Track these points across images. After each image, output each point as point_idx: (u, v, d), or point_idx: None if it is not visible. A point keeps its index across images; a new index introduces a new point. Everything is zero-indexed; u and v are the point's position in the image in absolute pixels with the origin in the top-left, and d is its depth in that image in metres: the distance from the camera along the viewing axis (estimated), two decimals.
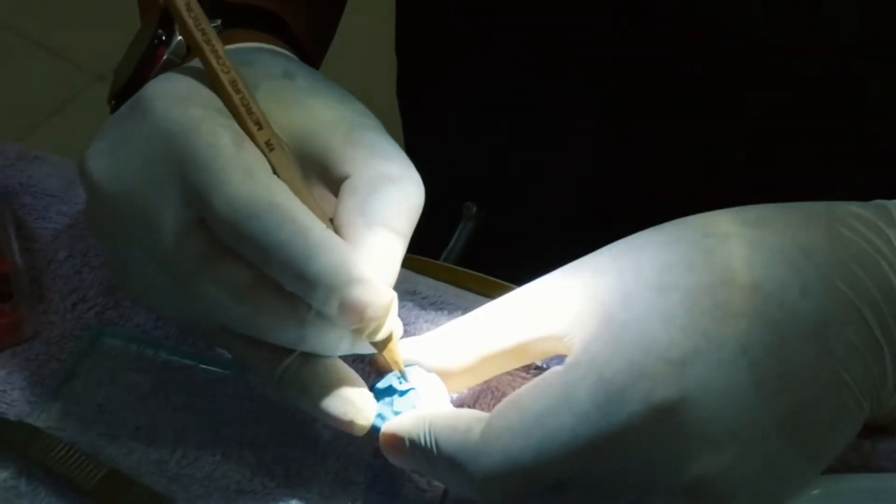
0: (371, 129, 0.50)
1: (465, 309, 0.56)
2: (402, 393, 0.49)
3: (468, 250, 0.78)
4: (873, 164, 0.61)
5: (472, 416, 0.46)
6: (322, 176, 0.50)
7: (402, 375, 0.49)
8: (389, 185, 0.48)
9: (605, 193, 0.70)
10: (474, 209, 0.77)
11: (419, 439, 0.46)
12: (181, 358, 0.56)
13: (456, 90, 0.74)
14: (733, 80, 0.61)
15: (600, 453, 0.43)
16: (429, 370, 0.50)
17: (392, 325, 0.47)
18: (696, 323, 0.43)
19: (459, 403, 0.53)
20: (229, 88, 0.48)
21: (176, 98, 0.48)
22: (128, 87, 0.57)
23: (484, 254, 0.72)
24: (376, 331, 0.46)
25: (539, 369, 0.53)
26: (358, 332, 0.46)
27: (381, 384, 0.50)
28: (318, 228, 0.45)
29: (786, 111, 0.61)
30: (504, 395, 0.53)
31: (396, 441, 0.47)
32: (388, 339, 0.48)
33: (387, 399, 0.49)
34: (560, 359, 0.51)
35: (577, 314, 0.46)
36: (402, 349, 0.49)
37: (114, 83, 0.60)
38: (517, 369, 0.53)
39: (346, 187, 0.48)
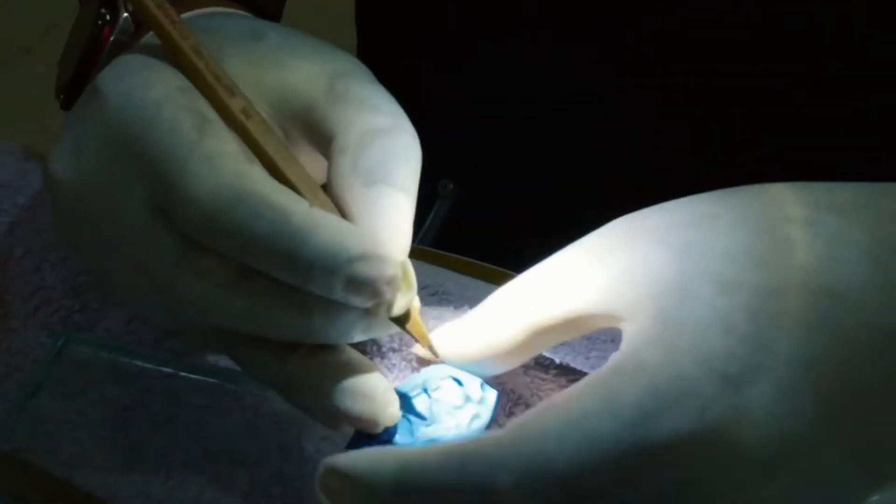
0: (355, 77, 0.45)
1: (472, 300, 0.52)
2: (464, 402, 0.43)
3: (444, 232, 0.73)
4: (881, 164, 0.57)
5: (474, 436, 0.41)
6: (309, 137, 0.45)
7: (434, 353, 0.43)
8: (381, 139, 0.43)
9: (591, 172, 0.66)
10: (450, 187, 0.72)
11: (390, 472, 0.38)
12: (159, 366, 0.51)
13: (422, 61, 0.70)
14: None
15: (642, 467, 0.39)
16: (471, 353, 0.44)
17: (412, 295, 0.42)
18: (760, 334, 0.39)
19: None
20: (192, 56, 0.43)
21: (133, 82, 0.43)
22: (76, 77, 0.52)
23: (461, 236, 0.67)
24: (392, 304, 0.41)
25: (559, 367, 0.49)
26: (374, 311, 0.41)
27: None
28: (301, 208, 0.40)
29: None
30: (520, 397, 0.49)
31: (345, 484, 0.39)
32: (408, 313, 0.42)
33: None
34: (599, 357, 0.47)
35: (631, 298, 0.41)
36: (443, 340, 0.44)
37: (60, 76, 0.55)
38: (535, 370, 0.49)
39: (335, 148, 0.43)
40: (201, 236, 0.41)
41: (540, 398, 0.48)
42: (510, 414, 0.48)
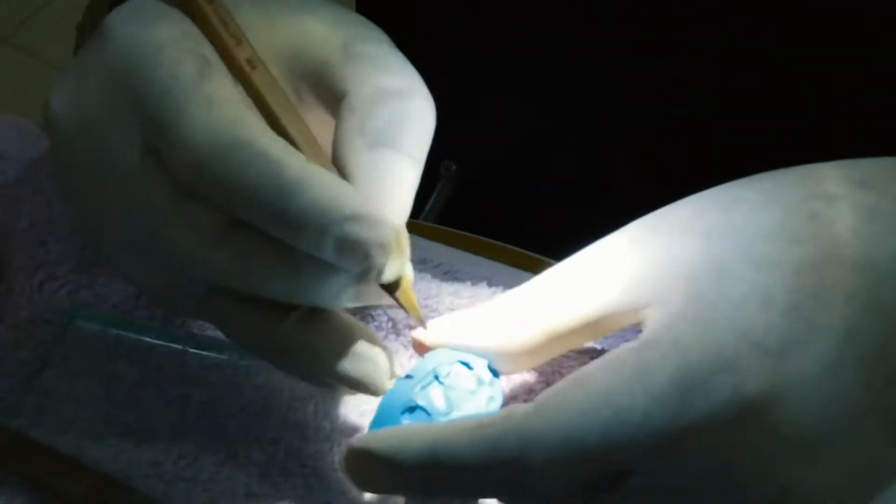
0: (372, 40, 0.43)
1: (489, 279, 0.50)
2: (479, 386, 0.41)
3: (446, 214, 0.72)
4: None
5: (494, 415, 0.39)
6: (319, 96, 0.43)
7: (423, 325, 0.42)
8: (392, 101, 0.41)
9: (597, 156, 0.64)
10: (453, 168, 0.71)
11: (419, 450, 0.38)
12: (169, 342, 0.49)
13: (425, 39, 0.68)
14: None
15: (675, 444, 0.37)
16: (486, 350, 0.42)
17: (403, 262, 0.41)
18: (800, 307, 0.38)
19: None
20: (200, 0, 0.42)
21: (139, 24, 0.41)
22: (91, 16, 0.50)
23: (462, 217, 0.66)
24: (383, 269, 0.40)
25: (598, 353, 0.47)
26: (363, 275, 0.40)
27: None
28: (296, 162, 0.39)
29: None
30: (541, 373, 0.48)
31: (374, 463, 0.39)
32: (399, 281, 0.41)
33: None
34: (619, 336, 0.46)
35: (659, 286, 0.40)
36: (452, 328, 0.42)
37: (84, 15, 0.53)
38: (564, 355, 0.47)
39: (345, 106, 0.42)
40: (192, 183, 0.39)
41: (561, 375, 0.47)
42: (530, 391, 0.47)
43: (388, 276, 0.40)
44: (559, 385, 0.39)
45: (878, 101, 0.54)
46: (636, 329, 0.40)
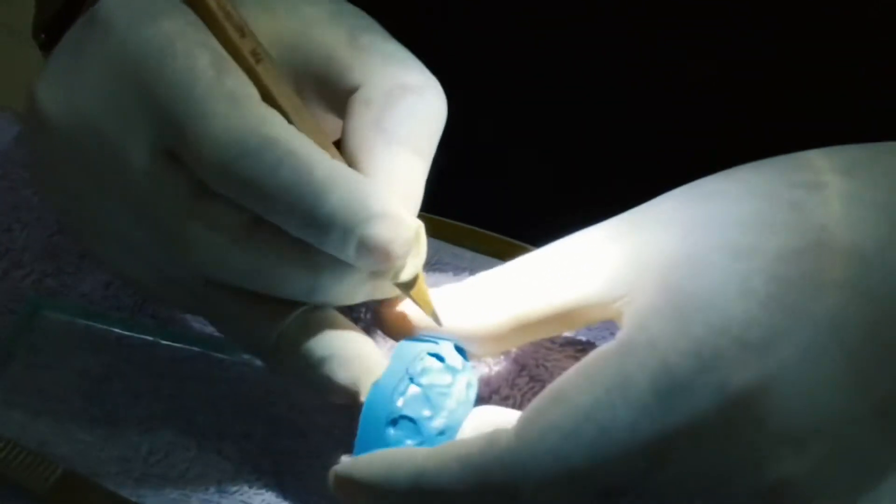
0: (377, 32, 0.42)
1: (471, 270, 0.49)
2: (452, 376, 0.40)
3: (426, 198, 0.70)
4: None
5: (478, 436, 0.38)
6: (321, 90, 0.42)
7: (437, 321, 0.40)
8: (410, 97, 0.40)
9: (580, 143, 0.63)
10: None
11: (406, 480, 0.37)
12: (139, 333, 0.48)
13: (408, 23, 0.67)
14: None
15: (664, 454, 0.36)
16: (452, 333, 0.41)
17: (420, 261, 0.40)
18: (782, 297, 0.36)
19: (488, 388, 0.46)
20: None
21: (140, 12, 0.39)
22: (63, 13, 0.48)
23: (444, 203, 0.64)
24: (401, 270, 0.39)
25: (583, 344, 0.46)
26: (381, 275, 0.39)
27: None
28: (324, 160, 0.38)
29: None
30: (524, 367, 0.46)
31: (361, 491, 0.38)
32: (415, 279, 0.40)
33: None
34: (602, 327, 0.45)
35: (634, 276, 0.39)
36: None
37: (39, 12, 0.51)
38: (541, 339, 0.46)
39: (359, 99, 0.40)
40: (217, 183, 0.38)
41: (546, 368, 0.46)
42: (513, 385, 0.46)
43: (406, 275, 0.39)
44: (540, 404, 0.37)
45: (879, 97, 0.53)
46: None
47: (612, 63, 0.59)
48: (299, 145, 0.38)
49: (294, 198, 0.37)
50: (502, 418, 0.39)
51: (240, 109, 0.37)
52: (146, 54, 0.38)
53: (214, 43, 0.39)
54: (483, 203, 0.61)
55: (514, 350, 0.46)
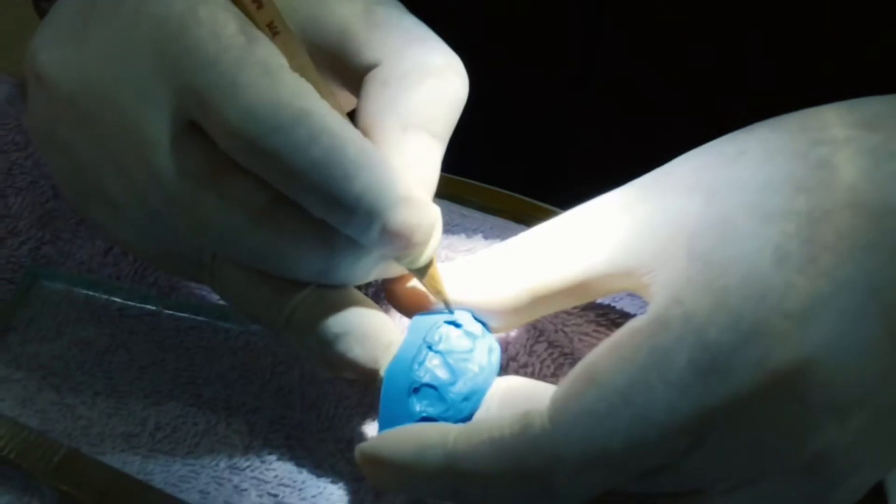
0: (393, 6, 0.40)
1: (484, 232, 0.47)
2: (470, 342, 0.38)
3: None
4: None
5: (511, 416, 0.36)
6: (335, 65, 0.40)
7: (448, 307, 0.39)
8: (432, 79, 0.38)
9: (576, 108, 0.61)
10: None
11: (438, 462, 0.36)
12: (141, 303, 0.46)
13: None
14: None
15: (703, 433, 0.34)
16: (469, 306, 0.39)
17: (435, 245, 0.38)
18: (818, 260, 0.34)
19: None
20: None
21: None
22: None
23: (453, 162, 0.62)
24: (420, 255, 0.37)
25: (604, 309, 0.44)
26: (399, 259, 0.37)
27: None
28: (356, 139, 0.36)
29: None
30: (542, 332, 0.45)
31: (390, 470, 0.37)
32: (429, 264, 0.38)
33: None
34: (628, 298, 0.43)
35: (659, 246, 0.37)
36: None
37: None
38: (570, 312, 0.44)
39: (376, 78, 0.38)
40: (244, 157, 0.36)
41: (564, 333, 0.44)
42: (531, 352, 0.44)
43: (422, 261, 0.38)
44: (573, 385, 0.35)
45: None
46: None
47: (626, 20, 0.57)
48: (333, 121, 0.35)
49: (323, 177, 0.35)
50: (529, 390, 0.38)
51: (273, 80, 0.35)
52: (166, 19, 0.36)
53: (237, 10, 0.37)
54: (496, 162, 0.59)
55: None
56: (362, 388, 0.44)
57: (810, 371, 0.34)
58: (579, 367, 0.35)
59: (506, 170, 0.55)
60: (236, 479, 0.41)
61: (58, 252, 0.47)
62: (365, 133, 0.38)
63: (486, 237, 0.47)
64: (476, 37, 0.58)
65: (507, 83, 0.60)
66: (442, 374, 0.37)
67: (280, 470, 0.42)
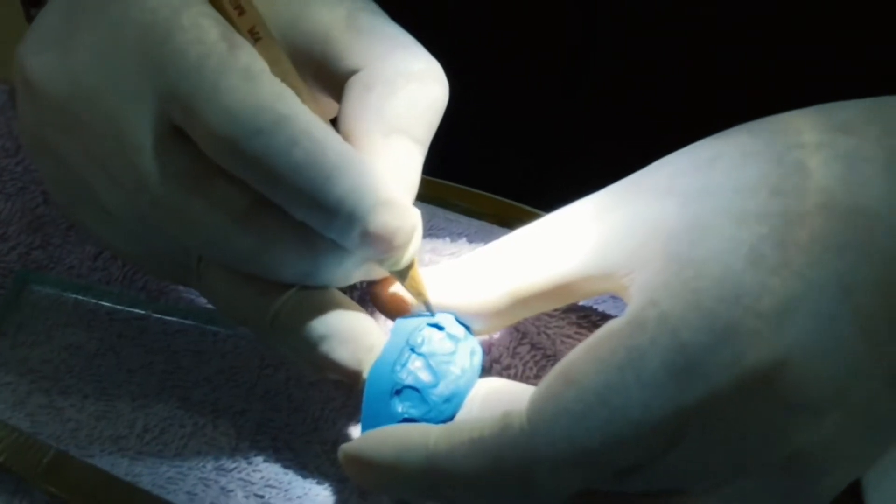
0: (375, 12, 0.40)
1: (468, 236, 0.48)
2: (453, 346, 0.39)
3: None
4: None
5: (490, 417, 0.37)
6: (317, 71, 0.40)
7: (429, 309, 0.40)
8: (412, 84, 0.39)
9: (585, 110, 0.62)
10: None
11: (418, 462, 0.36)
12: (130, 307, 0.46)
13: None
14: None
15: (678, 432, 0.35)
16: (450, 309, 0.40)
17: (415, 248, 0.39)
18: (791, 262, 0.35)
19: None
20: None
21: None
22: None
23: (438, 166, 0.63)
24: (401, 258, 0.38)
25: (584, 311, 0.45)
26: (380, 262, 0.38)
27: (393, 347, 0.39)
28: (336, 143, 0.36)
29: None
30: (525, 335, 0.45)
31: (372, 470, 0.37)
32: (410, 267, 0.39)
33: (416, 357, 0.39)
34: (610, 301, 0.43)
35: (636, 248, 0.37)
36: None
37: None
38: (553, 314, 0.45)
39: (357, 83, 0.39)
40: (226, 160, 0.36)
41: (547, 335, 0.45)
42: (514, 354, 0.45)
43: (403, 264, 0.38)
44: (550, 386, 0.36)
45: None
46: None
47: (612, 20, 0.57)
48: (314, 125, 0.36)
49: (304, 180, 0.36)
50: (510, 392, 0.38)
51: (254, 85, 0.36)
52: (151, 25, 0.36)
53: (219, 16, 0.37)
54: (477, 165, 0.59)
55: None
56: (347, 391, 0.44)
57: (784, 371, 0.34)
58: (557, 368, 0.36)
59: (491, 173, 0.56)
60: (223, 481, 0.42)
61: (48, 257, 0.47)
62: (346, 138, 0.38)
63: (470, 241, 0.48)
64: (462, 40, 0.59)
65: (493, 86, 0.61)
66: (424, 376, 0.38)
67: (266, 471, 0.42)
